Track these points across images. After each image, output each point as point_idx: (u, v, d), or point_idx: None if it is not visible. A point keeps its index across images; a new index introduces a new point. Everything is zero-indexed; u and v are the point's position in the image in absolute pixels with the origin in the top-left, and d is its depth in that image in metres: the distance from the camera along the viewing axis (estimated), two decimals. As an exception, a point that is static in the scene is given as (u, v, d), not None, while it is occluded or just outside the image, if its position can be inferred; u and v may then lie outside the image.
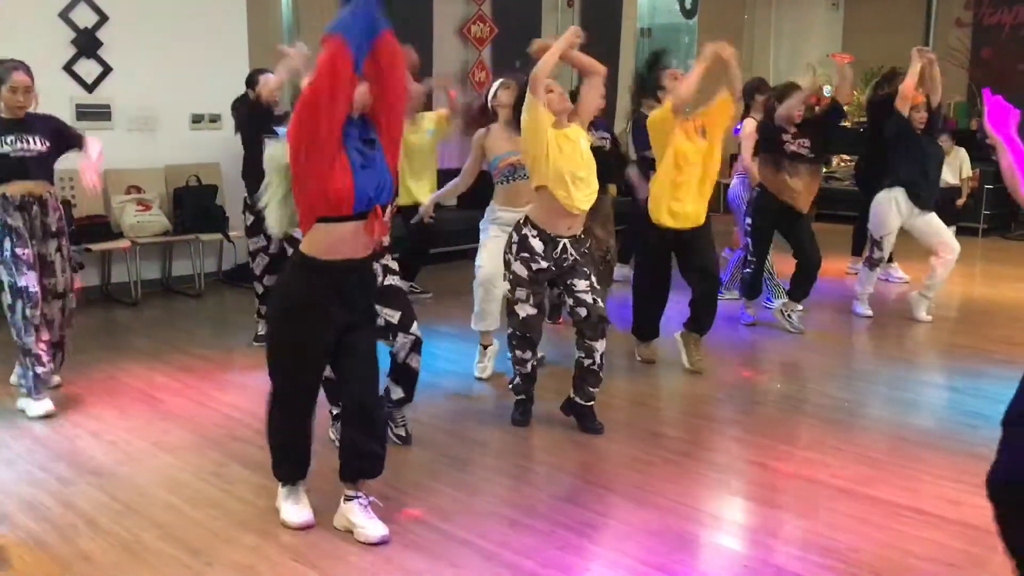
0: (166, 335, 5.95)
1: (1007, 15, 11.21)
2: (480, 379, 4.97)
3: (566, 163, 3.99)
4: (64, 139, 4.49)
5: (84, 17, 6.62)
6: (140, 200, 6.86)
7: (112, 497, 3.50)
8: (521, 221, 4.17)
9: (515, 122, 4.31)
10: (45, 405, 4.36)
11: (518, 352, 4.28)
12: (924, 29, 11.91)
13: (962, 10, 11.61)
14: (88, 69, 6.69)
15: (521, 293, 4.17)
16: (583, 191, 4.06)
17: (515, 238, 4.15)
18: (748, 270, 6.16)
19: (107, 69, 6.76)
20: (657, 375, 5.22)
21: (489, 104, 4.87)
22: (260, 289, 5.52)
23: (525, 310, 4.19)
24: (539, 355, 4.47)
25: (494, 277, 4.79)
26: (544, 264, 4.10)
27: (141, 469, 3.78)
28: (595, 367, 4.18)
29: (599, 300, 4.15)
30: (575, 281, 4.13)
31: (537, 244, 4.09)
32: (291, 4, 8.16)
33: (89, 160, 4.36)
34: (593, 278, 4.17)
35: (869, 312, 6.51)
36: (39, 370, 4.36)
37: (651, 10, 11.69)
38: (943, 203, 8.13)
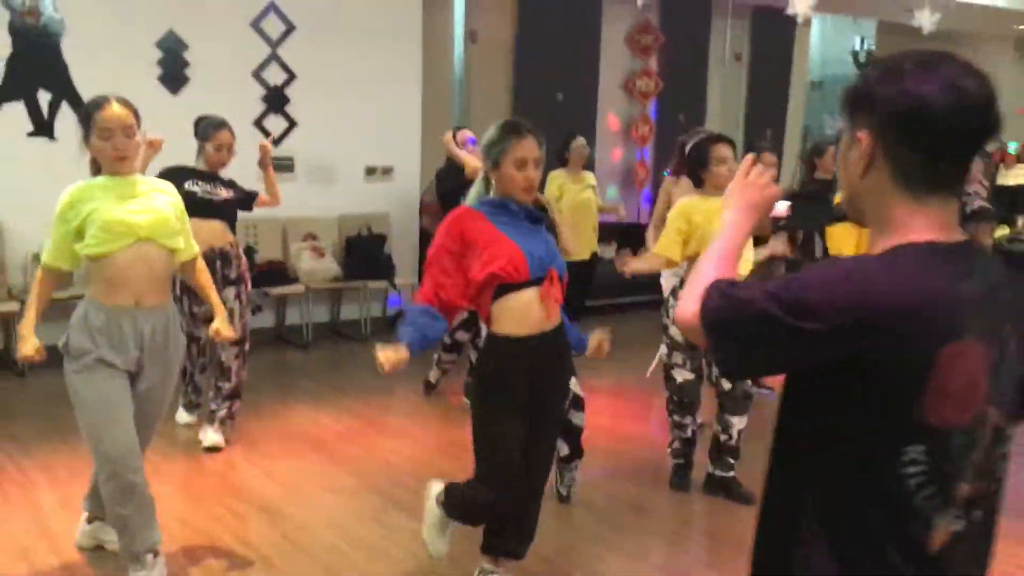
0: (332, 378, 6.20)
1: None
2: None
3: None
4: (245, 198, 4.84)
5: (275, 76, 7.09)
6: (315, 247, 7.22)
7: (283, 535, 3.66)
8: (677, 284, 4.17)
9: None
10: (215, 438, 4.66)
11: (676, 417, 4.24)
12: (1125, 82, 11.10)
13: None
14: (275, 124, 7.14)
15: (678, 358, 4.12)
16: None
17: (672, 302, 4.15)
18: None
19: (292, 124, 7.20)
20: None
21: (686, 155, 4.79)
22: (448, 340, 5.54)
23: (683, 375, 4.13)
24: (699, 421, 4.37)
25: None
26: None
27: (309, 510, 3.93)
28: (731, 443, 4.10)
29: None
30: None
31: None
32: (463, 65, 8.45)
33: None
34: None
35: None
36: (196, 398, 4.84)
37: (823, 63, 11.41)
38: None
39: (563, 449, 3.90)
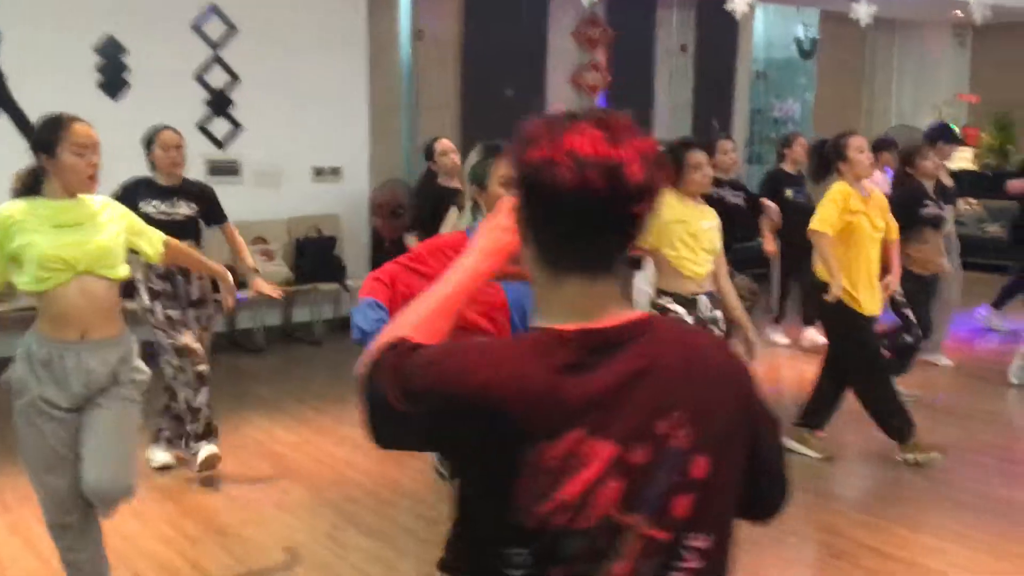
0: (286, 384, 6.19)
1: None
2: None
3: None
4: (211, 207, 4.60)
5: (217, 78, 7.00)
6: (264, 250, 7.17)
7: (236, 559, 3.67)
8: (653, 296, 4.24)
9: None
10: (164, 457, 4.57)
11: None
12: (1058, 68, 11.38)
13: (1101, 47, 11.03)
14: (220, 127, 7.06)
15: None
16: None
17: (655, 312, 4.16)
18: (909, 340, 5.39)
19: (237, 126, 7.12)
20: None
21: None
22: None
23: None
24: None
25: None
26: (691, 322, 4.05)
27: (263, 530, 3.94)
28: None
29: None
30: None
31: (678, 308, 4.12)
32: (410, 64, 8.41)
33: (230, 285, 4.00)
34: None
35: None
36: (191, 427, 4.44)
37: (767, 52, 11.54)
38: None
39: None
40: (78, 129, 2.91)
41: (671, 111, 10.13)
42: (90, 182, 2.95)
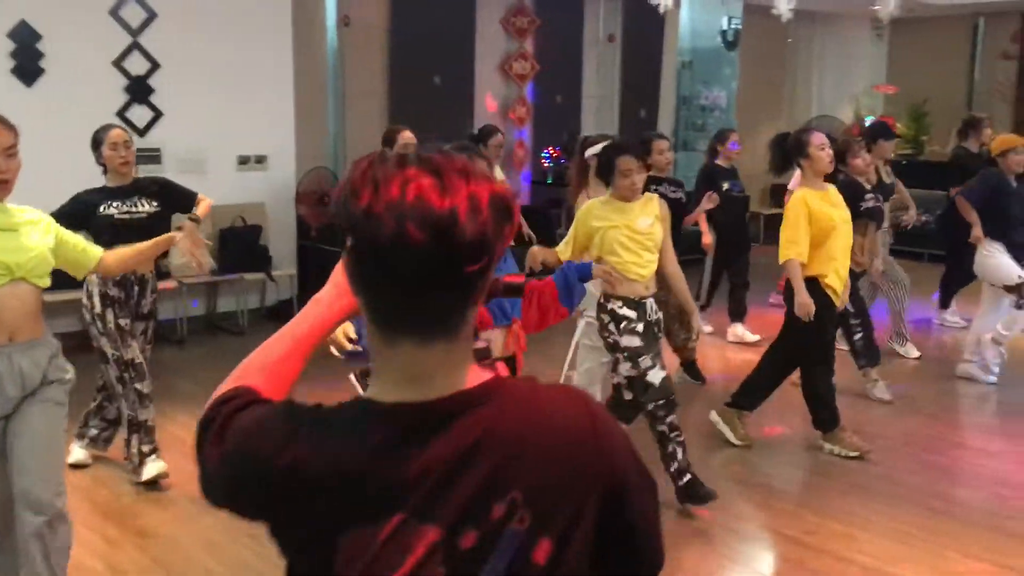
0: (210, 376, 6.09)
1: (1056, 48, 11.06)
2: None
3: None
4: (174, 196, 4.47)
5: (137, 65, 6.85)
6: (187, 240, 7.05)
7: (154, 559, 3.65)
8: (601, 301, 4.13)
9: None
10: (81, 455, 4.50)
11: (670, 419, 4.06)
12: (969, 61, 11.80)
13: (1009, 43, 11.47)
14: (140, 115, 6.91)
15: (646, 360, 4.02)
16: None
17: (605, 320, 4.08)
18: (859, 336, 5.66)
19: (158, 114, 6.98)
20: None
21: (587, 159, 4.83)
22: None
23: (657, 375, 4.03)
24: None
25: (601, 366, 4.79)
26: (644, 324, 4.05)
27: (183, 530, 3.92)
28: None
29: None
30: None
31: (628, 312, 4.04)
32: (337, 51, 8.34)
33: (195, 235, 4.21)
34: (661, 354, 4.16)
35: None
36: (146, 448, 4.31)
37: (692, 43, 11.71)
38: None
39: None
40: None
41: (598, 100, 10.23)
42: (1, 187, 2.88)
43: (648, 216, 4.09)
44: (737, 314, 7.00)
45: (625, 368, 4.09)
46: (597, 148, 4.68)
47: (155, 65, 6.91)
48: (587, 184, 4.87)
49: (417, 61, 8.57)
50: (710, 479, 4.28)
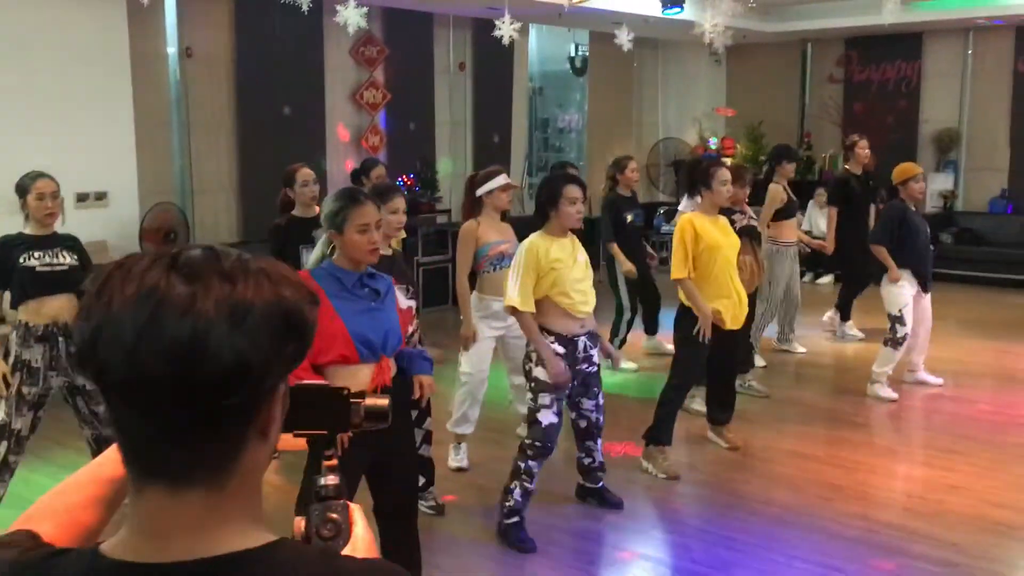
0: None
1: (875, 72, 11.90)
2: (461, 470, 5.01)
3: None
4: (86, 265, 4.35)
5: (-43, 97, 6.54)
6: (23, 282, 6.75)
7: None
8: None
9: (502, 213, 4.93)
10: None
11: (531, 463, 4.09)
12: (800, 85, 12.56)
13: (834, 67, 12.27)
14: (-39, 150, 6.59)
15: (545, 399, 4.05)
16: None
17: (532, 347, 4.09)
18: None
19: (-19, 149, 6.67)
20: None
21: (480, 195, 4.94)
22: None
23: (548, 418, 4.06)
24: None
25: (482, 384, 4.93)
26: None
27: None
28: (595, 463, 4.46)
29: (601, 416, 4.37)
30: (583, 400, 4.29)
31: (557, 348, 4.05)
32: (179, 82, 8.17)
33: None
34: (600, 395, 4.33)
35: (894, 395, 6.26)
36: None
37: (541, 69, 12.03)
38: (812, 254, 8.66)
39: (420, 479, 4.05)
40: None
41: (451, 126, 10.36)
42: None
43: (581, 249, 4.21)
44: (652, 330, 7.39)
45: (528, 399, 4.18)
46: (494, 183, 4.90)
47: (-21, 97, 6.61)
48: (478, 215, 4.98)
49: (265, 92, 8.48)
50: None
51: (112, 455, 1.11)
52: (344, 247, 3.07)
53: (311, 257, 3.21)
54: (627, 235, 6.77)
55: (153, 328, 0.82)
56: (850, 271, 7.89)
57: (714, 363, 5.08)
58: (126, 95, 7.35)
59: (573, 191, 4.04)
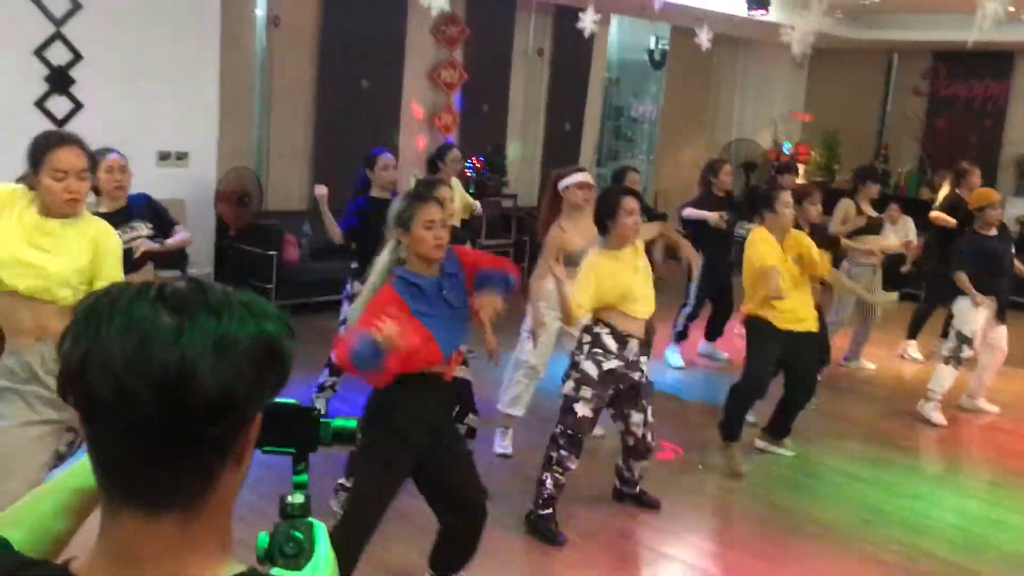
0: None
1: (961, 88, 11.62)
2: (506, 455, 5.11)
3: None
4: (162, 223, 4.50)
5: (59, 55, 6.80)
6: (103, 234, 7.02)
7: None
8: (591, 321, 4.19)
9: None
10: None
11: (563, 451, 4.13)
12: (883, 96, 12.32)
13: (920, 80, 12.00)
14: (59, 105, 6.86)
15: (586, 392, 4.08)
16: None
17: (586, 338, 4.17)
18: None
19: (78, 106, 6.93)
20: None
21: (559, 190, 5.00)
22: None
23: (584, 410, 4.09)
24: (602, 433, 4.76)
25: (540, 370, 5.08)
26: (615, 364, 4.10)
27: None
28: (635, 478, 4.54)
29: (651, 435, 4.35)
30: (632, 413, 4.27)
31: (610, 342, 4.12)
32: (265, 50, 8.36)
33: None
34: (650, 410, 4.30)
35: (943, 421, 6.19)
36: None
37: (620, 60, 12.00)
38: (889, 269, 8.49)
39: None
40: (61, 155, 2.97)
41: (524, 112, 10.42)
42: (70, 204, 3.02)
43: (643, 255, 4.32)
44: (712, 335, 7.35)
45: (568, 386, 4.15)
46: (571, 179, 4.94)
47: (77, 56, 6.85)
48: (559, 215, 4.99)
49: (346, 65, 8.63)
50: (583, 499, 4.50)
51: (83, 466, 1.09)
52: (412, 243, 3.18)
53: (378, 264, 3.24)
54: (710, 237, 6.70)
55: (142, 356, 0.84)
56: (936, 289, 7.64)
57: (794, 371, 5.21)
58: (214, 60, 7.55)
59: (630, 203, 4.14)
